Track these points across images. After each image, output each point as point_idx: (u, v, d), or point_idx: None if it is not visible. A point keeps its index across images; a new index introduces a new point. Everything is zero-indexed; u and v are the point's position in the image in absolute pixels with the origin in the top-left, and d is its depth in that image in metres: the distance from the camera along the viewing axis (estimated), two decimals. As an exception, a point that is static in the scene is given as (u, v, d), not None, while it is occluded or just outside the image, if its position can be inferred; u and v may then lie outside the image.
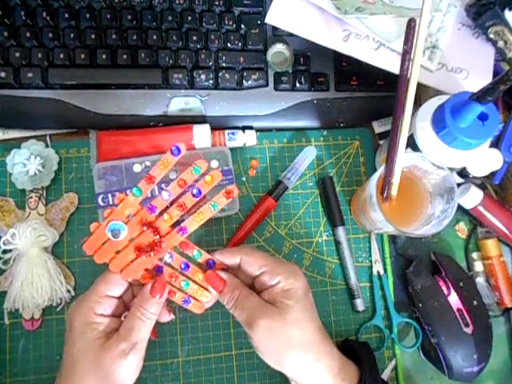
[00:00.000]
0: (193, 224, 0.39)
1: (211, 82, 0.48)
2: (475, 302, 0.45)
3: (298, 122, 0.50)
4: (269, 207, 0.47)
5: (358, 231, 0.50)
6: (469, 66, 0.47)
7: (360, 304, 0.47)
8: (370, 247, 0.49)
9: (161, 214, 0.39)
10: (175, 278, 0.40)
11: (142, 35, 0.47)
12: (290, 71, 0.50)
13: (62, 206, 0.46)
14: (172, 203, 0.39)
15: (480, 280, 0.49)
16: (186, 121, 0.48)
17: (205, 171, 0.38)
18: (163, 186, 0.39)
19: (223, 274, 0.39)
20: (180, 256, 0.40)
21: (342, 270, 0.48)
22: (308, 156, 0.49)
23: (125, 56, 0.47)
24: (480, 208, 0.47)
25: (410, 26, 0.36)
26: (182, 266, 0.40)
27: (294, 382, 0.39)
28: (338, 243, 0.48)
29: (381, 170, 0.40)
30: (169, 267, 0.40)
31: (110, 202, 0.45)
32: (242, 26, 0.49)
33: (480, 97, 0.36)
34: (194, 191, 0.38)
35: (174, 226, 0.39)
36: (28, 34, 0.46)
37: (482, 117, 0.39)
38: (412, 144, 0.42)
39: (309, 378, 0.37)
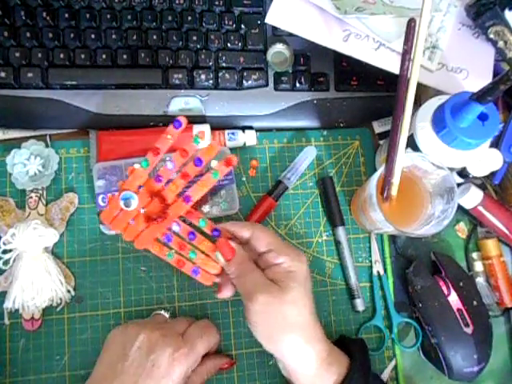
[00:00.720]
0: (196, 192, 0.41)
1: (211, 82, 0.48)
2: (475, 302, 0.45)
3: (298, 121, 0.50)
4: (269, 207, 0.47)
5: (358, 231, 0.49)
6: (469, 66, 0.47)
7: (360, 304, 0.47)
8: (370, 247, 0.49)
9: (167, 183, 0.42)
10: (183, 247, 0.42)
11: (142, 35, 0.48)
12: (290, 71, 0.50)
13: (62, 205, 0.46)
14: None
15: (480, 280, 0.49)
16: (185, 121, 0.48)
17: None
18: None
19: (233, 244, 0.40)
20: (187, 226, 0.42)
21: (342, 270, 0.48)
22: (308, 156, 0.49)
23: (125, 56, 0.47)
24: (480, 208, 0.47)
25: (410, 26, 0.36)
26: (190, 236, 0.42)
27: (281, 363, 0.40)
28: (338, 243, 0.48)
29: (381, 170, 0.40)
30: (177, 237, 0.42)
31: (110, 202, 0.45)
32: (242, 26, 0.49)
33: (480, 97, 0.36)
34: (196, 161, 0.41)
35: (179, 197, 0.42)
36: (28, 34, 0.46)
37: (482, 117, 0.39)
38: (412, 144, 0.42)
39: (297, 358, 0.38)
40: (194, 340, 0.39)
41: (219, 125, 0.48)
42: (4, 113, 0.46)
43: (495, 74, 0.48)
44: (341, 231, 0.48)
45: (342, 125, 0.51)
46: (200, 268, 0.42)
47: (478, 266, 0.49)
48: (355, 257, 0.48)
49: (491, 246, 0.49)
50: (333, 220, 0.48)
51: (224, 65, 0.48)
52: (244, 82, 0.49)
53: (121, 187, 0.41)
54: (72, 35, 0.46)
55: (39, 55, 0.46)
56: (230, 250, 0.40)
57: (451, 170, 0.42)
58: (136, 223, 0.41)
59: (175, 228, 0.42)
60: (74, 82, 0.46)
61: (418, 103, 0.46)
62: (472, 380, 0.44)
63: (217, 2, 0.49)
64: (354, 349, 0.41)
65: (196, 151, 0.41)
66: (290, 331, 0.38)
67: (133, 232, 0.42)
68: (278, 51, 0.49)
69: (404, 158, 0.40)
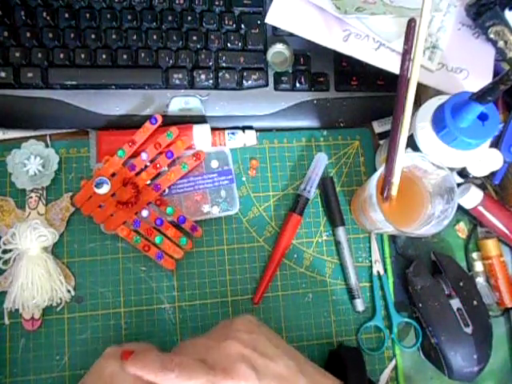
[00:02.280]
0: (166, 182, 0.45)
1: (211, 81, 0.48)
2: (475, 302, 0.45)
3: (298, 122, 0.50)
4: (296, 224, 0.47)
5: (358, 231, 0.49)
6: (469, 66, 0.47)
7: (360, 304, 0.47)
8: (370, 247, 0.49)
9: (139, 173, 0.45)
10: (150, 232, 0.44)
11: (142, 35, 0.47)
12: (290, 71, 0.50)
13: (61, 205, 0.46)
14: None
15: (480, 280, 0.49)
16: (185, 121, 0.48)
17: (177, 136, 0.45)
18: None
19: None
20: (155, 212, 0.45)
21: (342, 270, 0.48)
22: (320, 163, 0.49)
23: (125, 56, 0.47)
24: (480, 208, 0.47)
25: (410, 26, 0.36)
26: (157, 222, 0.45)
27: None
28: (338, 243, 0.48)
29: (381, 170, 0.40)
30: (145, 223, 0.44)
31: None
32: (242, 26, 0.49)
33: (480, 97, 0.36)
34: (167, 153, 0.45)
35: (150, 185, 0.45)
36: (28, 34, 0.46)
37: (482, 117, 0.39)
38: (412, 144, 0.42)
39: None
40: None
41: (219, 125, 0.48)
42: (4, 113, 0.46)
43: (495, 73, 0.48)
44: (341, 231, 0.48)
45: (342, 125, 0.51)
46: (164, 253, 0.44)
47: (478, 266, 0.49)
48: (355, 257, 0.48)
49: (491, 245, 0.49)
50: (333, 220, 0.48)
51: (224, 65, 0.48)
52: (244, 81, 0.49)
53: (95, 173, 0.44)
54: (72, 35, 0.46)
55: (39, 55, 0.46)
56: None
57: (451, 169, 0.42)
58: (107, 207, 0.44)
59: (144, 213, 0.44)
60: (74, 82, 0.46)
61: (418, 103, 0.46)
62: (472, 380, 0.44)
63: (217, 2, 0.49)
64: (349, 367, 0.39)
65: (170, 145, 0.46)
66: None
67: (103, 215, 0.44)
68: (277, 51, 0.49)
69: (404, 158, 0.40)
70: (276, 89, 0.49)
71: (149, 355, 0.35)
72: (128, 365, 0.34)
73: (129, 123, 0.47)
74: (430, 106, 0.42)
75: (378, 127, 0.52)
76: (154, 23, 0.48)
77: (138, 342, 0.43)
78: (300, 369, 0.36)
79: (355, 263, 0.48)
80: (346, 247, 0.48)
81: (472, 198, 0.47)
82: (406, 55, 0.37)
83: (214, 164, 0.47)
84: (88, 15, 0.47)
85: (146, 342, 0.40)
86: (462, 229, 0.51)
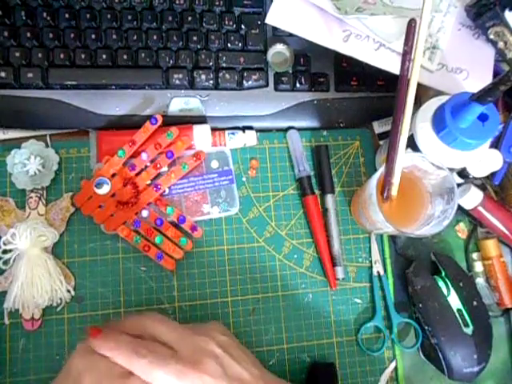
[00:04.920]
0: (166, 182, 0.46)
1: (211, 82, 0.48)
2: (475, 302, 0.45)
3: (298, 122, 0.50)
4: (317, 203, 0.48)
5: (358, 231, 0.50)
6: (469, 66, 0.47)
7: (340, 272, 0.47)
8: (369, 247, 0.49)
9: (140, 173, 0.45)
10: (150, 232, 0.44)
11: (143, 35, 0.47)
12: (290, 71, 0.50)
13: (61, 205, 0.46)
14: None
15: (480, 280, 0.49)
16: (186, 121, 0.48)
17: (177, 136, 0.45)
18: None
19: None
20: (155, 212, 0.45)
21: (327, 239, 0.48)
22: (296, 140, 0.49)
23: (125, 56, 0.47)
24: (480, 208, 0.47)
25: (411, 27, 0.37)
26: (157, 222, 0.45)
27: None
28: (325, 210, 0.48)
29: (381, 170, 0.41)
30: (145, 223, 0.45)
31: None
32: (242, 26, 0.49)
33: (480, 97, 0.37)
34: (168, 153, 0.45)
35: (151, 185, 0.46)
36: (28, 34, 0.46)
37: (482, 117, 0.39)
38: (412, 144, 0.42)
39: None
40: None
41: (219, 125, 0.48)
42: (4, 113, 0.46)
43: (495, 74, 0.48)
44: (329, 198, 0.48)
45: (342, 125, 0.51)
46: (164, 253, 0.45)
47: (478, 267, 0.49)
48: (355, 257, 0.49)
49: (491, 246, 0.49)
50: (322, 187, 0.49)
51: (224, 65, 0.48)
52: (244, 82, 0.49)
53: (96, 173, 0.44)
54: (72, 35, 0.46)
55: (39, 55, 0.46)
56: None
57: (451, 170, 0.42)
58: (107, 207, 0.44)
59: (144, 213, 0.45)
60: (73, 82, 0.46)
61: (418, 104, 0.46)
62: (472, 380, 0.44)
63: (217, 2, 0.49)
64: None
65: (170, 145, 0.46)
66: None
67: (103, 215, 0.44)
68: (278, 51, 0.49)
69: (404, 158, 0.40)
70: (276, 89, 0.49)
71: (122, 337, 0.35)
72: (97, 343, 0.34)
73: (129, 123, 0.47)
74: (430, 106, 0.42)
75: (378, 127, 0.52)
76: (155, 23, 0.48)
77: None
78: (262, 377, 0.37)
79: (341, 236, 0.48)
80: (333, 215, 0.48)
81: (472, 198, 0.47)
82: (406, 55, 0.37)
83: (214, 164, 0.47)
84: (88, 15, 0.47)
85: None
86: (462, 229, 0.51)
